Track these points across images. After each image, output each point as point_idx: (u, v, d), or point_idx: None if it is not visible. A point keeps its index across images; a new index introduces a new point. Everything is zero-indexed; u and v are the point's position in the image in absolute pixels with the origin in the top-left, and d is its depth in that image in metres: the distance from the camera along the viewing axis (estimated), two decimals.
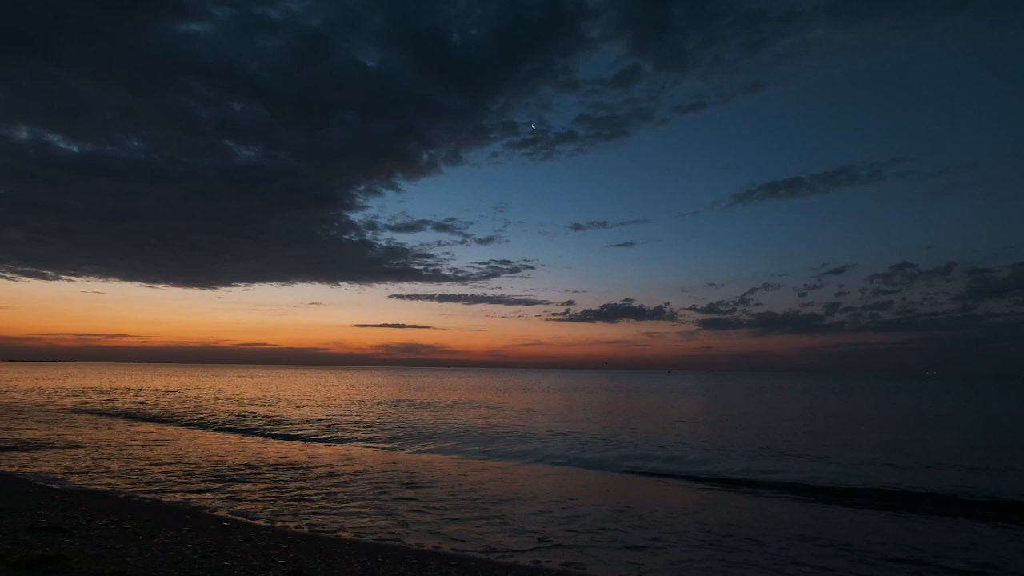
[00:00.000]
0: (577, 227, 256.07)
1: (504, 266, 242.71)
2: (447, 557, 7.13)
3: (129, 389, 46.43)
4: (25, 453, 14.98)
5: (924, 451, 17.92)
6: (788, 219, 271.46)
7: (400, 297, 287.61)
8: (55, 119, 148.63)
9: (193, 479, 12.03)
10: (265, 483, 11.80)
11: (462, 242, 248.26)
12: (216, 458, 14.83)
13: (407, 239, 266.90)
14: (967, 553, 8.09)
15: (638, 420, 27.14)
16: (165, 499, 10.03)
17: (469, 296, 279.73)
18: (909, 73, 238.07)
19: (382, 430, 21.25)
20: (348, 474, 12.91)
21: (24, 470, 12.41)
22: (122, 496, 10.11)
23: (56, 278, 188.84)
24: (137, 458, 14.61)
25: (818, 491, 11.94)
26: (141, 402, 33.27)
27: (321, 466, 13.85)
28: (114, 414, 26.66)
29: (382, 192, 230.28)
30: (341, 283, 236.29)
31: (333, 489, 11.34)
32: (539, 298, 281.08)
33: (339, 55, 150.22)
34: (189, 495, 10.45)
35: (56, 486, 10.72)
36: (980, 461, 15.91)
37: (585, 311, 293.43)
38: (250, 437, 19.61)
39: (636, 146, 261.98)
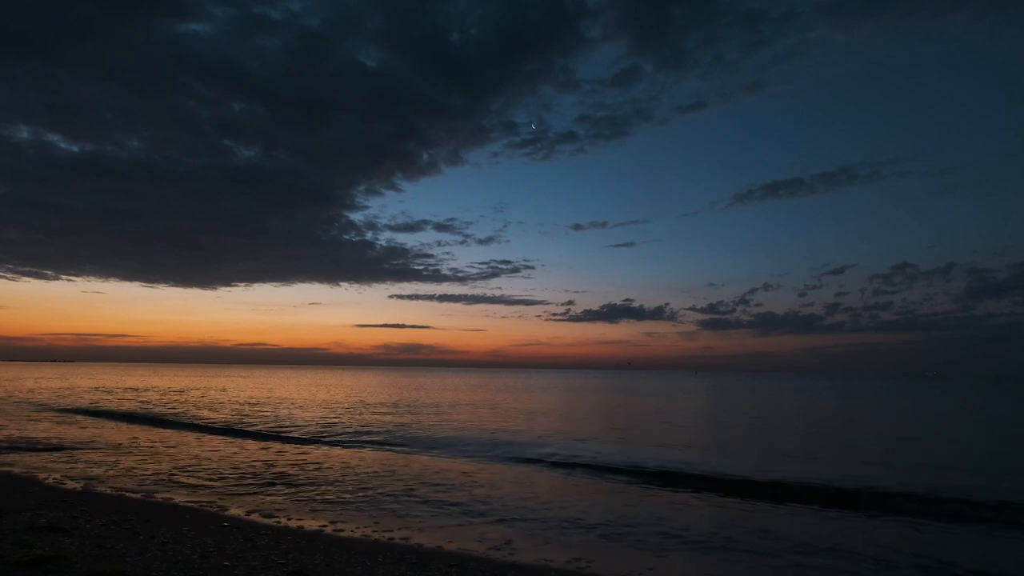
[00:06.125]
0: (577, 227, 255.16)
1: (504, 266, 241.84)
2: (448, 557, 7.12)
3: (131, 389, 46.42)
4: (30, 454, 14.97)
5: (922, 451, 17.94)
6: (788, 219, 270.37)
7: (400, 297, 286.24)
8: (55, 119, 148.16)
9: (195, 480, 12.04)
10: (265, 484, 11.81)
11: (462, 242, 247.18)
12: (218, 459, 14.83)
13: (407, 239, 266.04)
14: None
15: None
16: (167, 500, 10.02)
17: (469, 296, 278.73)
18: (909, 73, 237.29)
19: (387, 432, 21.24)
20: (350, 475, 12.92)
21: (16, 470, 12.40)
22: (123, 496, 10.11)
23: (56, 278, 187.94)
24: (142, 459, 14.61)
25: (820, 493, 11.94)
26: (144, 402, 33.26)
27: (324, 467, 13.86)
28: (116, 414, 26.65)
29: (382, 192, 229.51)
30: (341, 283, 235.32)
31: (334, 490, 11.35)
32: (539, 298, 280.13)
33: (339, 55, 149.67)
34: (190, 496, 10.44)
35: (58, 486, 10.72)
36: (980, 461, 15.94)
37: (585, 311, 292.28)
38: (252, 440, 19.63)
39: (636, 146, 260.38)
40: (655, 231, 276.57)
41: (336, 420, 24.49)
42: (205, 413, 26.70)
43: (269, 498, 10.42)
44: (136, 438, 18.49)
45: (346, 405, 32.98)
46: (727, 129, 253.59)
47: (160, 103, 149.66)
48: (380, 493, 11.10)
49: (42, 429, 20.28)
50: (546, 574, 6.75)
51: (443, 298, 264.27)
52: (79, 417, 25.52)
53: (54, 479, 11.45)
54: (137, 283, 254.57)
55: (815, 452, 17.03)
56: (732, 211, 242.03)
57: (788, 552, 7.99)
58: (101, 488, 10.75)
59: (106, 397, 36.93)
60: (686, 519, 9.67)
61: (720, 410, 35.20)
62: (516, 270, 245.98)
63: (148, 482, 11.53)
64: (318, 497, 10.61)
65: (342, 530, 8.37)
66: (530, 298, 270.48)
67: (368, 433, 20.13)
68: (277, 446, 17.34)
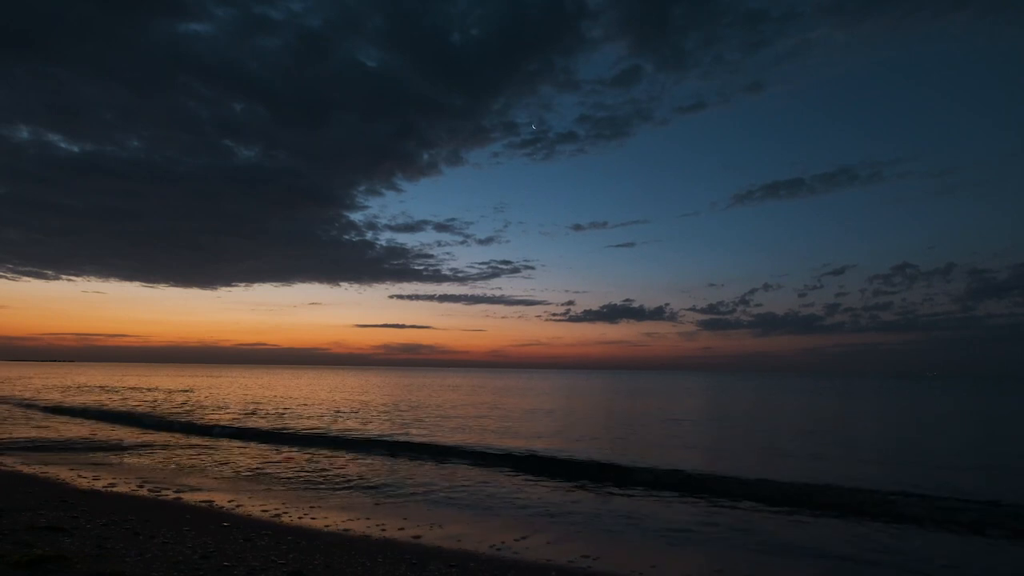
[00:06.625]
0: (577, 227, 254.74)
1: (504, 266, 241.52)
2: (448, 556, 7.11)
3: (136, 388, 46.42)
4: (31, 454, 14.98)
5: (922, 451, 17.94)
6: (788, 219, 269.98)
7: (400, 297, 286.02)
8: (55, 119, 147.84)
9: (196, 480, 12.04)
10: (267, 485, 11.81)
11: (462, 242, 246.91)
12: (222, 460, 14.85)
13: (407, 239, 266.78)
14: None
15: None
16: (167, 499, 10.02)
17: (469, 296, 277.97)
18: (910, 73, 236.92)
19: (394, 433, 21.22)
20: (353, 476, 12.93)
21: (16, 470, 12.40)
22: (124, 496, 10.10)
23: (56, 278, 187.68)
24: (145, 460, 14.62)
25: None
26: (151, 401, 33.26)
27: (329, 468, 13.87)
28: (122, 415, 26.64)
29: (382, 192, 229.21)
30: (341, 283, 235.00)
31: (337, 491, 11.36)
32: (539, 298, 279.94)
33: (339, 55, 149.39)
34: (193, 496, 10.44)
35: (59, 486, 10.71)
36: (984, 462, 15.93)
37: (585, 311, 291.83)
38: (259, 442, 19.64)
39: (636, 146, 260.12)
40: (655, 231, 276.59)
41: (343, 420, 24.49)
42: (213, 414, 26.70)
43: (271, 498, 10.41)
44: (141, 438, 18.49)
45: (353, 405, 32.99)
46: (727, 129, 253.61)
47: (160, 103, 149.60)
48: (383, 494, 11.11)
49: (46, 429, 20.29)
50: (547, 573, 6.74)
51: (443, 298, 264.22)
52: (82, 418, 25.54)
53: (55, 479, 11.44)
54: (137, 283, 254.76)
55: (819, 453, 17.00)
56: (732, 211, 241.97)
57: (792, 552, 7.99)
58: (103, 488, 10.74)
59: (111, 397, 36.93)
60: (689, 520, 9.67)
61: (722, 410, 35.19)
62: (516, 270, 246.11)
63: (149, 483, 11.53)
64: (320, 497, 10.62)
65: (344, 530, 8.36)
66: (530, 298, 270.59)
67: (376, 434, 20.10)
68: (284, 448, 17.36)
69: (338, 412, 28.32)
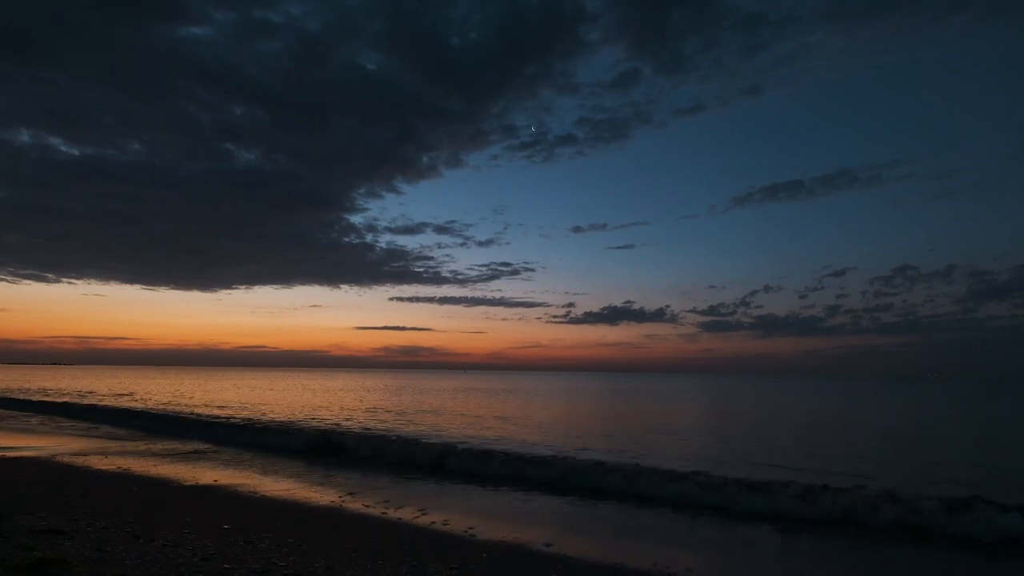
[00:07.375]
0: (577, 229, 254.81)
1: (504, 268, 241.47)
2: (449, 558, 7.10)
3: (153, 393, 46.33)
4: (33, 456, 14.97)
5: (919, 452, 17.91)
6: (788, 222, 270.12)
7: (400, 299, 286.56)
8: (55, 123, 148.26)
9: (205, 475, 12.04)
10: (270, 485, 11.79)
11: (462, 244, 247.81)
12: (229, 459, 14.82)
13: (407, 241, 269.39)
14: None
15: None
16: (167, 499, 10.01)
17: (469, 298, 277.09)
18: (909, 76, 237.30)
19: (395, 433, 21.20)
20: (352, 479, 12.92)
21: (17, 472, 12.39)
22: (123, 497, 10.09)
23: (57, 281, 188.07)
24: (151, 462, 14.59)
25: None
26: (166, 403, 33.25)
27: (328, 470, 13.86)
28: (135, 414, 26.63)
29: (382, 195, 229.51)
30: (341, 285, 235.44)
31: (339, 495, 11.34)
32: (539, 300, 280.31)
33: (339, 59, 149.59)
34: (191, 495, 10.42)
35: (59, 488, 10.69)
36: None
37: (585, 313, 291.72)
38: (255, 448, 19.62)
39: (635, 149, 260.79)
40: (655, 233, 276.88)
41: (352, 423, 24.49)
42: (213, 412, 26.69)
43: (275, 495, 10.41)
44: (149, 441, 18.49)
45: (359, 411, 32.98)
46: (726, 132, 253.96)
47: (160, 107, 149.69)
48: (387, 498, 11.10)
49: (50, 431, 20.28)
50: (548, 573, 6.74)
51: (443, 300, 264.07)
52: (88, 420, 25.53)
53: (55, 481, 11.42)
54: (138, 286, 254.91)
55: (819, 453, 17.00)
56: (732, 213, 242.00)
57: (793, 553, 7.98)
58: (104, 490, 10.72)
59: (123, 400, 36.92)
60: (691, 520, 9.66)
61: (725, 412, 35.17)
62: (516, 272, 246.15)
63: (152, 485, 11.52)
64: (323, 498, 10.61)
65: (346, 533, 8.34)
66: (530, 300, 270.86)
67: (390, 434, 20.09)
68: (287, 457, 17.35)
69: (350, 414, 28.32)
